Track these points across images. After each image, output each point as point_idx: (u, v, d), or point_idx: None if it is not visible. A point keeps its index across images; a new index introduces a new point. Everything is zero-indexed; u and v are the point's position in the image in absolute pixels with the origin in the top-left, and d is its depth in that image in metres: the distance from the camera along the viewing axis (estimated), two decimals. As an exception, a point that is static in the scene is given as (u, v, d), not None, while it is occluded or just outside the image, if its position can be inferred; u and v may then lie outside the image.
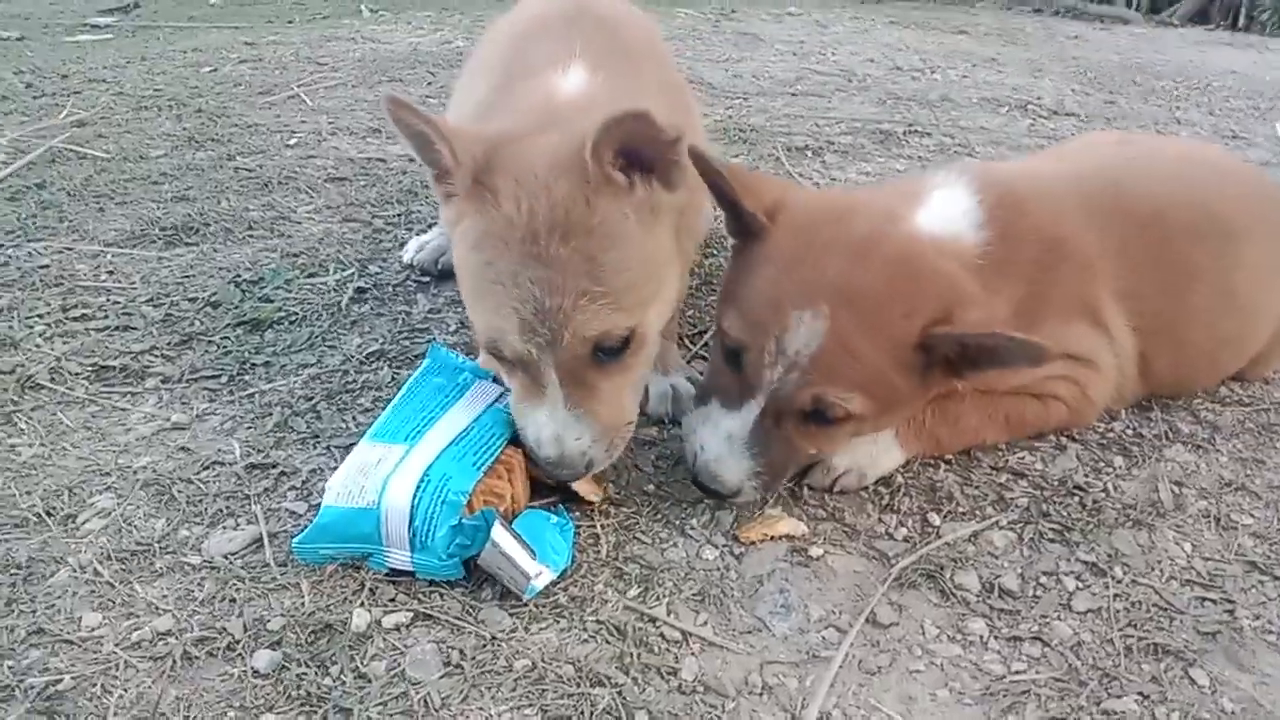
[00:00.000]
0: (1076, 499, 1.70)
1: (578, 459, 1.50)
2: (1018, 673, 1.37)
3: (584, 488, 1.64)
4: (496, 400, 1.63)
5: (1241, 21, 9.26)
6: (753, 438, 1.54)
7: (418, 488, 1.44)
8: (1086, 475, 1.77)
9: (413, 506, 1.43)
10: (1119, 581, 1.53)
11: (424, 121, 1.45)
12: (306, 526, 1.49)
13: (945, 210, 1.66)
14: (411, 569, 1.45)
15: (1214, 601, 1.50)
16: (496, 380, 1.68)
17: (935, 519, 1.65)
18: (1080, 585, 1.53)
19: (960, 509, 1.68)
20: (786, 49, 5.26)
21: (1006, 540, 1.61)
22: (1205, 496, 1.72)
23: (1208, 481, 1.76)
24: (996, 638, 1.43)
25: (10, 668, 1.29)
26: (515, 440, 1.57)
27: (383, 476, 1.46)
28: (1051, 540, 1.61)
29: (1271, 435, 1.91)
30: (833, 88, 4.37)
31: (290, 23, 6.35)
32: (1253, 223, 1.97)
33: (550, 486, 1.63)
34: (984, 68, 5.21)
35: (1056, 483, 1.74)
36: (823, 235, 1.55)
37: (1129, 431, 1.90)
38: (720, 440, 1.55)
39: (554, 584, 1.46)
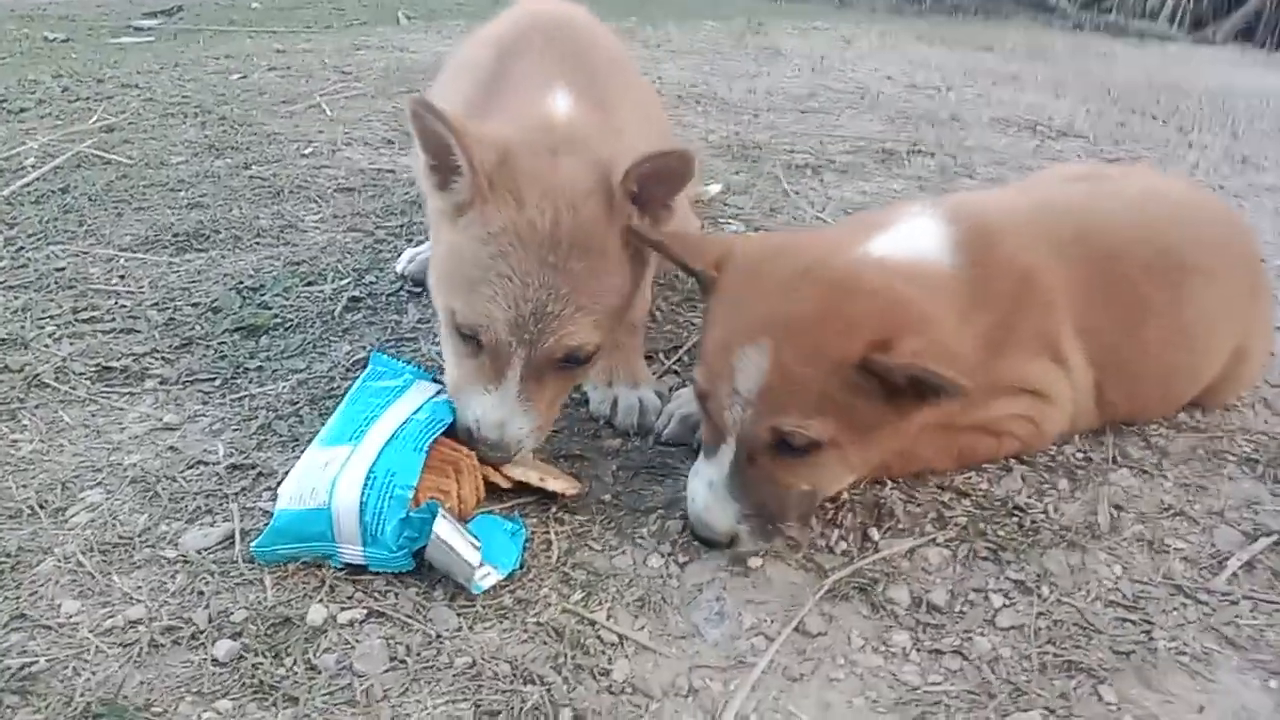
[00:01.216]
0: (1015, 519, 1.77)
1: (513, 445, 1.66)
2: (933, 684, 1.44)
3: (560, 484, 1.74)
4: (435, 396, 1.75)
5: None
6: (732, 480, 1.60)
7: (365, 484, 1.54)
8: (1029, 496, 1.83)
9: (361, 503, 1.53)
10: (1044, 600, 1.60)
11: (445, 125, 1.59)
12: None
13: (913, 238, 1.72)
14: (365, 563, 1.55)
15: (1134, 622, 1.56)
16: (437, 380, 1.81)
17: (875, 534, 1.72)
18: (1006, 603, 1.59)
19: (900, 525, 1.75)
20: (806, 64, 5.32)
21: (941, 557, 1.68)
22: (1143, 520, 1.78)
23: (1148, 506, 1.82)
24: (918, 650, 1.50)
25: (-9, 648, 1.41)
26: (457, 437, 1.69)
27: (330, 477, 1.57)
28: (984, 558, 1.68)
29: (1220, 462, 1.95)
30: (844, 105, 4.43)
31: (328, 28, 6.50)
32: (1210, 259, 2.01)
33: (527, 488, 1.74)
34: (1003, 85, 5.24)
35: (998, 503, 1.81)
36: (763, 273, 1.62)
37: (1078, 455, 1.96)
38: (704, 488, 1.62)
39: (502, 586, 1.56)
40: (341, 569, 1.56)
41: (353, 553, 1.55)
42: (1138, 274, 1.93)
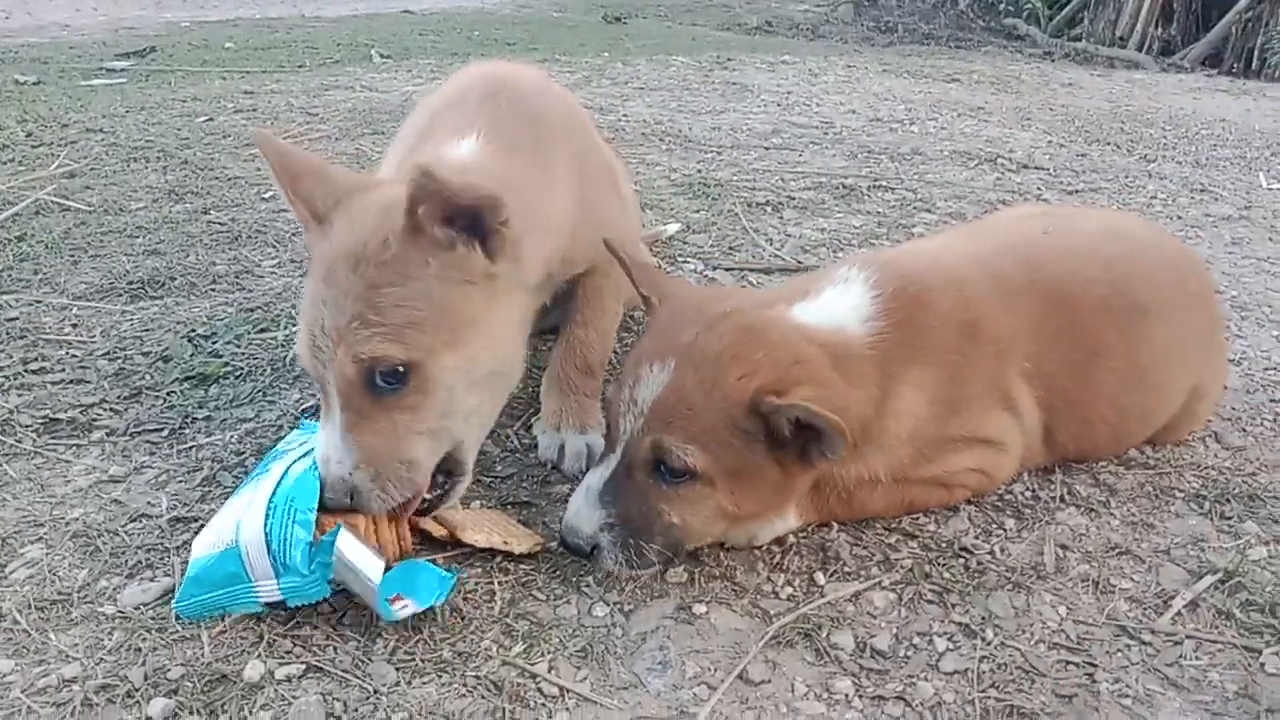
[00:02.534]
0: (961, 561, 1.77)
1: (340, 484, 1.58)
2: (874, 732, 1.44)
3: (525, 544, 1.73)
4: None
5: (1255, 64, 9.27)
6: (607, 487, 1.63)
7: (267, 515, 1.55)
8: (976, 537, 1.83)
9: (266, 533, 1.53)
10: (988, 643, 1.59)
11: (273, 162, 1.71)
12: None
13: (831, 304, 1.76)
14: (282, 598, 1.54)
15: (1077, 664, 1.56)
16: None
17: (821, 578, 1.72)
18: (951, 646, 1.59)
19: (847, 569, 1.75)
20: (772, 99, 5.36)
21: (886, 600, 1.68)
22: (1089, 560, 1.78)
23: (1094, 545, 1.82)
24: (861, 696, 1.50)
25: (-80, 712, 1.39)
26: None
27: (235, 519, 1.58)
28: (930, 601, 1.68)
29: (1168, 499, 1.96)
30: (808, 140, 4.46)
31: (300, 67, 6.53)
32: (1164, 299, 2.03)
33: (493, 552, 1.72)
34: (967, 118, 5.29)
35: (945, 544, 1.81)
36: (689, 310, 1.69)
37: (1026, 494, 1.96)
38: (580, 494, 1.65)
39: (442, 639, 1.55)
40: (284, 622, 1.55)
41: (268, 589, 1.54)
42: (1090, 316, 1.94)
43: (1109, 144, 4.95)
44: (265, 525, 1.54)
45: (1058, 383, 1.91)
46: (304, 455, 1.68)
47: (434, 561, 1.68)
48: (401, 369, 1.57)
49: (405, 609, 1.53)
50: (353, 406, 1.58)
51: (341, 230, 1.62)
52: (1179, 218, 3.76)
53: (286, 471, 1.63)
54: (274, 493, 1.58)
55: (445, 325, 1.61)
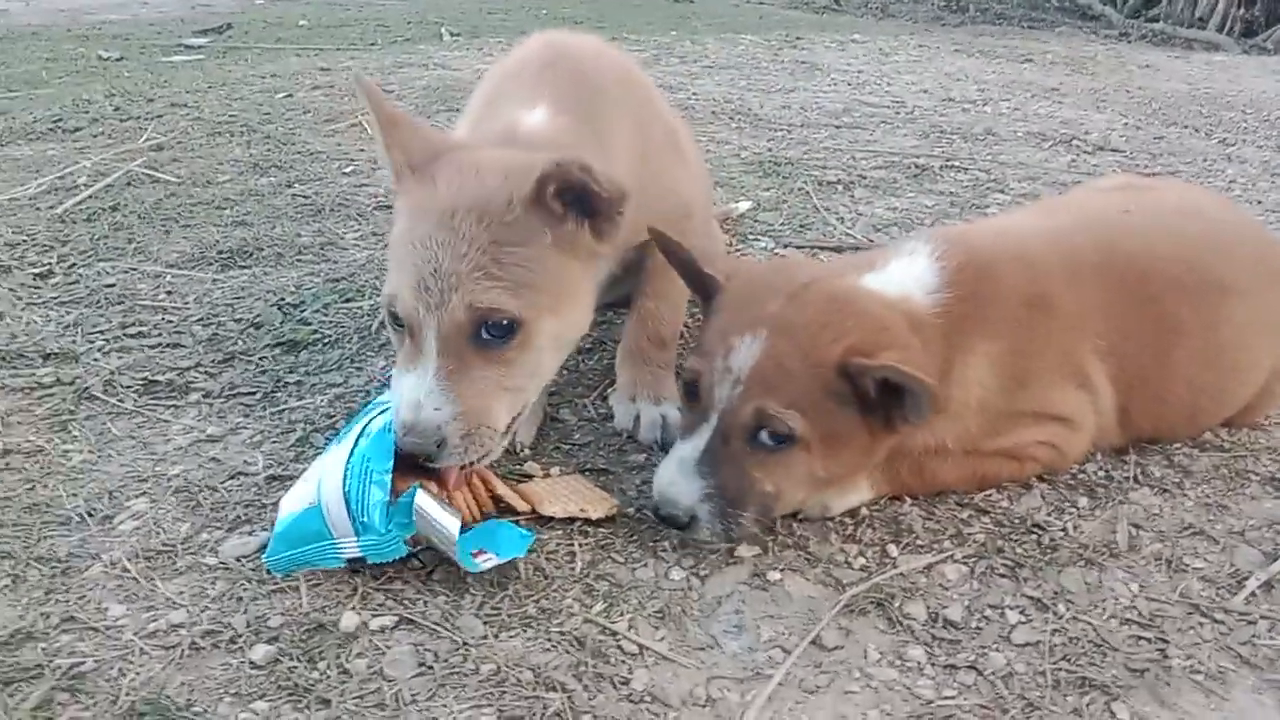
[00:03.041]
0: (1034, 537, 1.79)
1: (431, 431, 1.60)
2: (947, 698, 1.47)
3: (601, 510, 1.79)
4: None
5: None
6: (704, 457, 1.66)
7: (345, 475, 1.62)
8: (1048, 514, 1.85)
9: (345, 492, 1.61)
10: (1060, 617, 1.62)
11: (373, 110, 1.75)
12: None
13: (898, 275, 1.80)
14: (362, 555, 1.61)
15: (1149, 640, 1.58)
16: None
17: (894, 550, 1.75)
18: (1022, 619, 1.61)
19: (919, 541, 1.78)
20: (842, 79, 5.34)
21: (959, 573, 1.70)
22: (1162, 539, 1.79)
23: (1167, 525, 1.83)
24: (933, 665, 1.53)
25: (43, 649, 1.48)
26: None
27: (317, 479, 1.65)
28: (1002, 575, 1.70)
29: (1243, 481, 1.96)
30: (879, 120, 4.45)
31: (372, 45, 6.63)
32: (1244, 278, 2.02)
33: (572, 520, 1.77)
34: (1041, 99, 5.23)
35: (1017, 520, 1.83)
36: (767, 284, 1.74)
37: (1099, 473, 1.97)
38: (674, 466, 1.68)
39: (526, 596, 1.61)
40: (377, 577, 1.62)
41: (349, 545, 1.61)
42: (1168, 294, 1.94)
43: (1187, 127, 4.86)
44: (344, 485, 1.61)
45: (1133, 361, 1.91)
46: (381, 413, 1.74)
47: (516, 523, 1.74)
48: (509, 323, 1.64)
49: (488, 561, 1.60)
50: (452, 353, 1.62)
51: (453, 183, 1.66)
52: (1259, 202, 3.70)
53: (364, 431, 1.70)
54: (351, 453, 1.65)
55: (552, 291, 1.68)
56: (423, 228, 1.65)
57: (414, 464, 1.65)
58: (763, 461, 1.66)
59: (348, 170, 3.50)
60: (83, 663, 1.46)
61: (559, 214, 1.67)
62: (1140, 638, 1.58)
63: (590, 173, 1.60)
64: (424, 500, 1.60)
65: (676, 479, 1.67)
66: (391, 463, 1.63)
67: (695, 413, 1.71)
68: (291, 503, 1.67)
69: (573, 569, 1.69)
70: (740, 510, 1.66)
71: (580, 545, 1.74)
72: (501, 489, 1.80)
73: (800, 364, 1.62)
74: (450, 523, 1.60)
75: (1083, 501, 1.89)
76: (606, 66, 2.14)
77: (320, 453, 1.87)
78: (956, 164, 3.83)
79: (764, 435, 1.64)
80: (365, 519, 1.60)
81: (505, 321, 1.63)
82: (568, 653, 1.52)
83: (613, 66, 2.18)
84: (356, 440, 1.70)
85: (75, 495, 1.81)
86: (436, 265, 1.61)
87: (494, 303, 1.61)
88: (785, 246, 2.97)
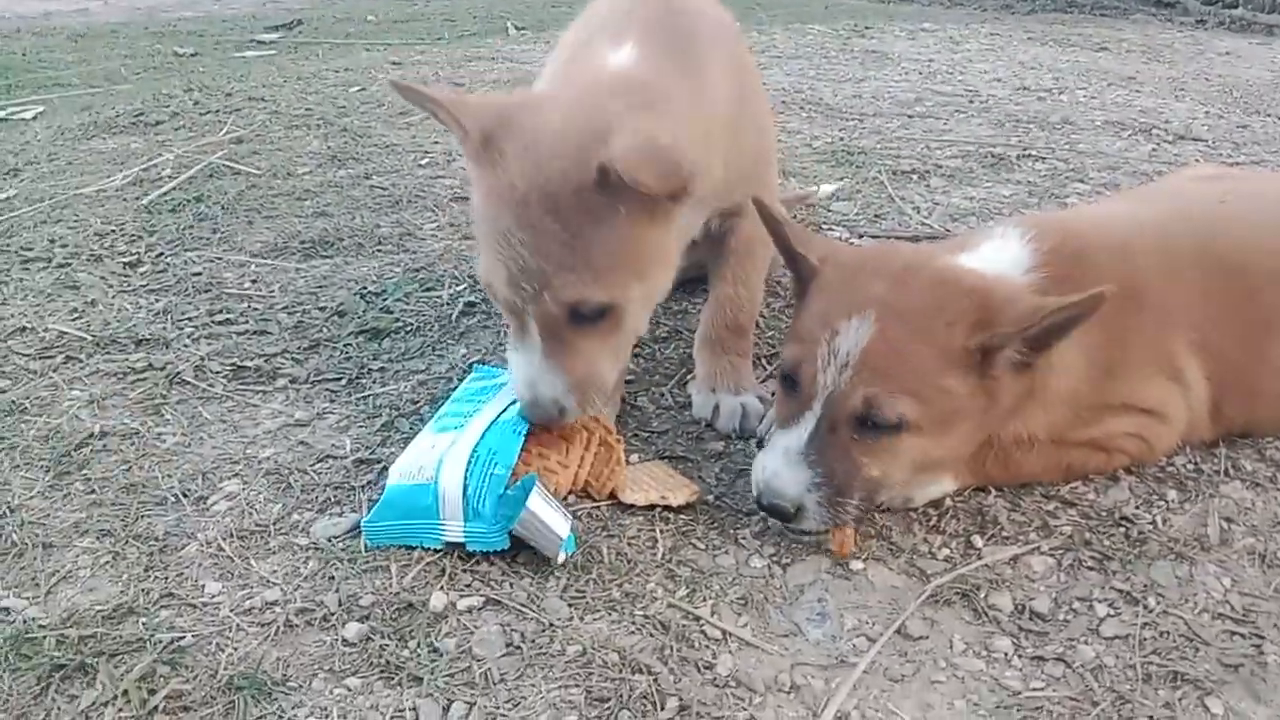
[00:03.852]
0: (1122, 530, 1.76)
1: (550, 405, 1.70)
2: (1035, 690, 1.46)
3: (682, 496, 1.81)
4: None
5: None
6: (809, 447, 1.63)
7: (469, 463, 1.66)
8: (1136, 507, 1.82)
9: (466, 478, 1.64)
10: (1150, 611, 1.59)
11: (430, 100, 1.71)
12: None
13: (992, 256, 1.77)
14: (463, 541, 1.65)
15: (1243, 635, 1.55)
16: None
17: (979, 542, 1.74)
18: (1111, 612, 1.59)
19: (1004, 533, 1.76)
20: (913, 68, 5.29)
21: (1045, 565, 1.69)
22: (1254, 534, 1.75)
23: (1260, 519, 1.79)
24: (1020, 656, 1.52)
25: (144, 624, 1.53)
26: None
27: (438, 457, 1.68)
28: (1090, 568, 1.68)
29: (1339, 477, 1.91)
30: (952, 109, 4.40)
31: (439, 39, 6.71)
32: None
33: (654, 508, 1.79)
34: (1118, 87, 5.12)
35: (1105, 513, 1.80)
36: (867, 267, 1.71)
37: (1188, 466, 1.93)
38: (778, 456, 1.65)
39: (610, 580, 1.62)
40: (464, 559, 1.65)
41: (454, 529, 1.64)
42: (1266, 288, 1.90)
43: (1271, 115, 4.73)
44: (466, 472, 1.64)
45: (1228, 356, 1.87)
46: (510, 405, 1.79)
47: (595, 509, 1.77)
48: (600, 307, 1.66)
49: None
50: (553, 335, 1.67)
51: (522, 162, 1.62)
52: (1350, 192, 3.58)
53: (494, 423, 1.73)
54: (478, 442, 1.69)
55: (636, 265, 1.69)
56: (502, 219, 1.64)
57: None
58: (870, 448, 1.63)
59: (423, 163, 3.55)
60: (182, 637, 1.50)
61: (628, 189, 1.62)
62: (1234, 633, 1.55)
63: (639, 174, 1.53)
64: (536, 503, 1.62)
65: (781, 470, 1.64)
66: (515, 460, 1.68)
67: (794, 400, 1.68)
68: (403, 472, 1.70)
69: (654, 554, 1.70)
70: (847, 498, 1.64)
71: (661, 531, 1.75)
72: (611, 475, 1.82)
73: (915, 346, 1.59)
74: (560, 525, 1.62)
75: (1172, 494, 1.85)
76: (702, 13, 2.07)
77: (409, 438, 1.90)
78: (1034, 153, 3.77)
79: (874, 420, 1.61)
80: (479, 507, 1.63)
81: (596, 306, 1.66)
82: (652, 636, 1.53)
83: (710, 9, 2.12)
84: (485, 430, 1.74)
85: (170, 476, 1.87)
86: (522, 263, 1.62)
87: (581, 295, 1.63)
88: (860, 236, 2.95)
